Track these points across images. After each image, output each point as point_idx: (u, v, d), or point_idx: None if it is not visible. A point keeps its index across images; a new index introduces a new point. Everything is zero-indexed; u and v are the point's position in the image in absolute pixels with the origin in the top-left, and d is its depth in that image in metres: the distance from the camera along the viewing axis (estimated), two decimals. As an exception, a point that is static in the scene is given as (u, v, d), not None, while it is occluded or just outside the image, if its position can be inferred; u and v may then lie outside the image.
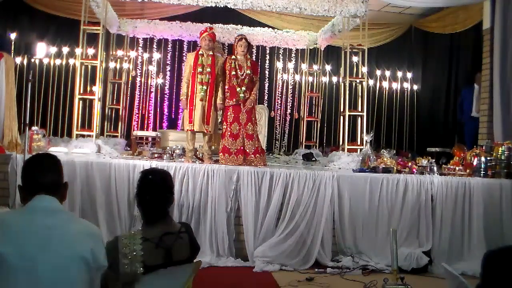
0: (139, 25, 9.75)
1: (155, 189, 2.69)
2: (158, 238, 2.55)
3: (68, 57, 8.87)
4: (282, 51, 10.58)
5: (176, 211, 5.14)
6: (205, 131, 5.93)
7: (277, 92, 10.58)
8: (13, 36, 7.27)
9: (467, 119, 8.46)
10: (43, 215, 2.02)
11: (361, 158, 6.27)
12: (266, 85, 10.64)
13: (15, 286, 1.87)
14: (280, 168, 5.55)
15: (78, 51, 7.77)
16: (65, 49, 8.83)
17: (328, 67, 10.07)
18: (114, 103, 9.69)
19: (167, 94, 10.33)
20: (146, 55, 10.02)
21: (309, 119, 10.27)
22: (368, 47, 8.31)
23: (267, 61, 10.68)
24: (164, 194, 2.70)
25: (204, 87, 5.85)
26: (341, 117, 8.13)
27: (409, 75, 10.38)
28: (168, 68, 10.35)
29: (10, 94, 5.80)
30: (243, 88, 5.90)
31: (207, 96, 5.88)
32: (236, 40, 6.13)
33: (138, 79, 10.11)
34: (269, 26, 10.12)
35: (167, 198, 2.72)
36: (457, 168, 5.99)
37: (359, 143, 7.75)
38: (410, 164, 6.04)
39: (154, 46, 10.22)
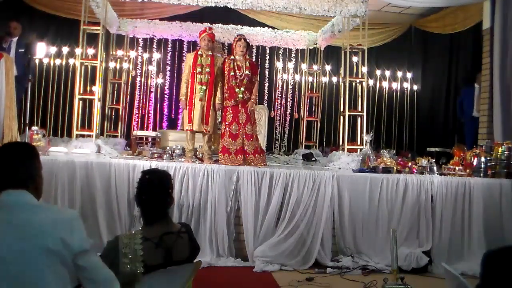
0: (139, 25, 9.75)
1: (152, 189, 2.70)
2: (158, 238, 2.56)
3: (68, 57, 8.88)
4: (282, 51, 10.58)
5: (176, 211, 5.15)
6: (204, 131, 5.93)
7: (277, 92, 10.58)
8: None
9: (467, 119, 8.46)
10: (6, 211, 1.93)
11: (361, 158, 6.27)
12: (266, 85, 10.64)
13: None
14: (280, 168, 5.55)
15: (78, 51, 7.78)
16: (65, 49, 8.84)
17: (328, 67, 10.07)
18: (114, 103, 9.69)
19: (167, 94, 10.32)
20: (146, 55, 10.02)
21: (309, 119, 10.27)
22: (368, 47, 8.31)
23: (267, 61, 10.68)
24: (160, 195, 2.70)
25: (204, 87, 5.86)
26: (341, 117, 8.13)
27: (409, 75, 10.39)
28: (168, 68, 10.35)
29: (10, 94, 5.80)
30: (242, 89, 5.89)
31: (206, 96, 5.88)
32: (235, 40, 6.12)
33: (138, 79, 10.11)
34: (269, 26, 10.11)
35: (163, 199, 2.71)
36: (457, 168, 5.99)
37: (359, 143, 7.75)
38: (410, 164, 6.05)
39: (154, 46, 10.21)
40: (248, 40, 6.26)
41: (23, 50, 6.83)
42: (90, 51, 7.93)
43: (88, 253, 1.98)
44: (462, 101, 8.73)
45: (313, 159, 8.03)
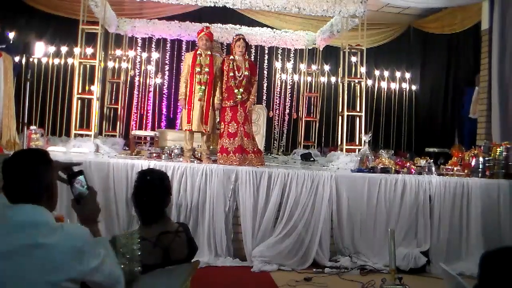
0: (137, 25, 9.74)
1: (149, 189, 2.70)
2: (156, 237, 2.56)
3: (67, 56, 8.87)
4: (280, 51, 10.57)
5: (174, 211, 5.14)
6: (204, 131, 5.93)
7: (275, 92, 10.58)
8: (11, 35, 7.26)
9: (466, 119, 8.50)
10: (17, 232, 1.74)
11: (359, 158, 6.27)
12: (265, 85, 10.63)
13: None
14: (278, 168, 5.55)
15: (76, 50, 7.76)
16: (64, 49, 8.83)
17: (326, 67, 10.07)
18: (113, 102, 9.69)
19: (166, 93, 10.31)
20: (144, 55, 10.01)
21: (307, 119, 10.26)
22: (367, 47, 8.31)
23: (266, 61, 10.67)
24: (161, 196, 2.70)
25: (203, 87, 5.85)
26: (340, 117, 8.14)
27: (407, 75, 10.40)
28: (167, 67, 10.33)
29: (9, 93, 5.81)
30: (241, 90, 5.89)
31: (206, 96, 5.88)
32: (234, 40, 6.12)
33: (137, 78, 10.09)
34: (268, 26, 10.11)
35: (161, 199, 2.72)
36: (455, 169, 6.00)
37: (357, 143, 7.75)
38: (408, 164, 6.05)
39: (153, 45, 10.20)
40: (247, 40, 6.26)
41: (4, 46, 6.75)
42: (89, 50, 7.92)
43: (99, 268, 1.84)
44: (464, 101, 8.76)
45: (312, 159, 8.03)
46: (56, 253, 1.73)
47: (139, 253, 2.44)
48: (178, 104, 8.75)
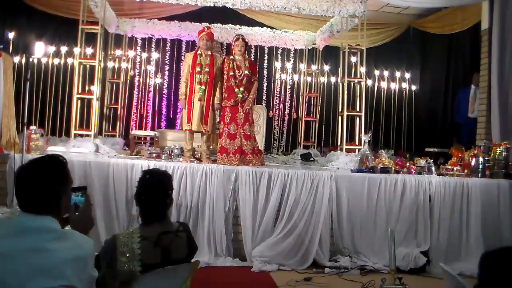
0: (137, 25, 9.74)
1: (150, 190, 2.70)
2: (156, 237, 2.56)
3: (67, 56, 8.86)
4: (280, 51, 10.56)
5: (174, 211, 5.14)
6: (203, 131, 5.93)
7: (275, 92, 10.57)
8: (11, 35, 7.26)
9: (463, 120, 8.51)
10: (23, 235, 1.77)
11: (359, 158, 6.28)
12: (265, 85, 10.61)
13: None
14: (278, 168, 5.56)
15: (76, 50, 7.76)
16: (64, 49, 8.81)
17: (326, 67, 10.06)
18: (113, 102, 9.68)
19: (166, 93, 10.30)
20: (144, 55, 10.00)
21: (307, 119, 10.26)
22: (367, 47, 8.31)
23: (266, 61, 10.66)
24: (159, 196, 2.69)
25: (203, 87, 5.86)
26: (339, 117, 8.14)
27: (407, 75, 10.39)
28: (167, 67, 10.32)
29: (8, 93, 5.80)
30: (241, 89, 5.90)
31: (206, 96, 5.88)
32: (233, 40, 6.14)
33: (137, 78, 10.08)
34: (267, 26, 10.11)
35: (162, 200, 2.71)
36: (455, 169, 6.00)
37: (357, 143, 7.75)
38: (408, 164, 6.05)
39: (153, 45, 10.19)
40: (246, 40, 6.27)
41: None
42: (89, 50, 7.92)
43: (94, 282, 1.89)
44: (458, 102, 8.78)
45: (312, 159, 8.03)
46: (58, 259, 1.75)
47: (139, 252, 2.45)
48: (178, 104, 8.75)
